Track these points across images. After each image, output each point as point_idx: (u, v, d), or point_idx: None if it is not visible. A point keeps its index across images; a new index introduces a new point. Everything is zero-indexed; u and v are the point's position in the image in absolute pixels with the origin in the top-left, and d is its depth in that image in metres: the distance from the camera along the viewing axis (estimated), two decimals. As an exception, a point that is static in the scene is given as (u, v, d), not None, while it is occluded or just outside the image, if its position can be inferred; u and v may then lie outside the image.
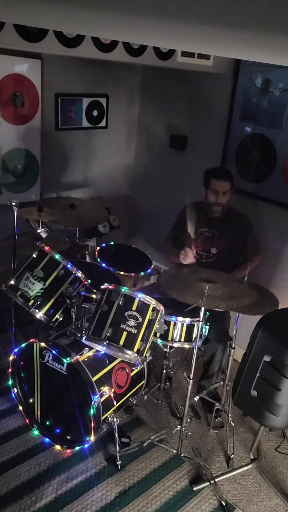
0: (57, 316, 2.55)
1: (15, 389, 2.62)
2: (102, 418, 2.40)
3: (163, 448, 2.64)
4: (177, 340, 2.59)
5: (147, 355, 2.35)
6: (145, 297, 2.29)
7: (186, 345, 2.62)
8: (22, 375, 2.60)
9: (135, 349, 2.25)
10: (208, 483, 2.46)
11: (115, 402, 2.46)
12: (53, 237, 2.97)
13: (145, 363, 2.59)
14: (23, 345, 2.50)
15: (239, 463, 2.63)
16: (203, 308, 2.35)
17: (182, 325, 2.58)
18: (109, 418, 2.46)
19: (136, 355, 2.25)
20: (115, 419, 2.46)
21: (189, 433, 2.67)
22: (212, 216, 3.03)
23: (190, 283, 2.39)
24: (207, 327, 2.68)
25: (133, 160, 4.28)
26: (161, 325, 2.46)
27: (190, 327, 2.59)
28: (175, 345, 2.62)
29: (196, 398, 2.88)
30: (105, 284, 2.35)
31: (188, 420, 2.84)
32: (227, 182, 2.94)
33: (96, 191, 4.06)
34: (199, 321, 2.42)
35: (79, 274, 2.53)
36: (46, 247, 2.53)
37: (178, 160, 3.84)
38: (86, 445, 2.43)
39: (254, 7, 0.96)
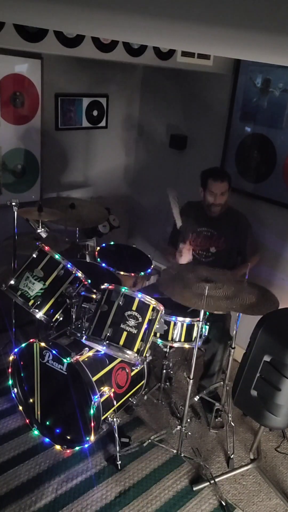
0: (57, 316, 2.55)
1: (15, 389, 2.62)
2: (102, 418, 2.40)
3: (163, 448, 2.64)
4: (177, 340, 2.59)
5: (147, 355, 2.35)
6: (145, 297, 2.29)
7: (186, 345, 2.62)
8: (22, 375, 2.60)
9: (135, 349, 2.25)
10: (208, 483, 2.46)
11: (115, 402, 2.46)
12: (53, 237, 2.97)
13: (145, 363, 2.59)
14: (23, 345, 2.50)
15: (239, 463, 2.63)
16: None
17: (182, 325, 2.58)
18: (109, 418, 2.46)
19: (136, 355, 2.25)
20: (115, 419, 2.46)
21: (189, 433, 2.67)
22: (211, 215, 3.03)
23: (190, 283, 2.39)
24: (207, 327, 2.68)
25: (133, 160, 4.28)
26: (161, 325, 2.46)
27: (190, 327, 2.58)
28: (175, 345, 2.62)
29: (196, 398, 2.88)
30: (105, 284, 2.36)
31: (188, 420, 2.84)
32: (224, 182, 2.94)
33: (96, 191, 4.06)
34: (199, 321, 2.42)
35: (79, 274, 2.53)
36: (46, 247, 2.53)
37: (178, 160, 3.84)
38: (86, 445, 2.43)
39: (254, 7, 0.96)
